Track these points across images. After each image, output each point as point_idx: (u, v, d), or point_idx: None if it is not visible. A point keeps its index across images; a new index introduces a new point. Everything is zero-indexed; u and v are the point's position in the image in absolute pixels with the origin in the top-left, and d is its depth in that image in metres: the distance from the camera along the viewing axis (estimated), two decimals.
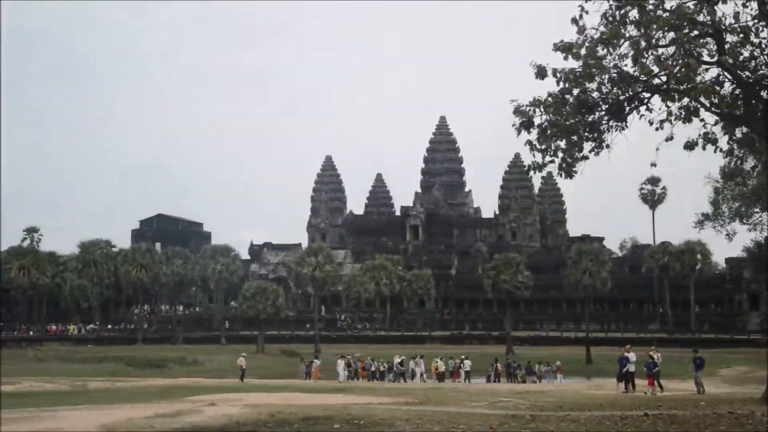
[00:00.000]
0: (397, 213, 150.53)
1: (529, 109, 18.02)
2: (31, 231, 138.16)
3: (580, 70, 17.49)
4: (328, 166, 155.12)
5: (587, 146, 18.48)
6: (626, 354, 34.35)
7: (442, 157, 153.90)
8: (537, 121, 18.09)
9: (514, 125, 18.11)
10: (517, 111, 18.06)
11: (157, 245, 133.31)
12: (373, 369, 54.04)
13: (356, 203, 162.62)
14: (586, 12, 17.15)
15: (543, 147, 18.27)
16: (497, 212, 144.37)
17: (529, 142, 18.19)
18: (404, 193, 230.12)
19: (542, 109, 17.99)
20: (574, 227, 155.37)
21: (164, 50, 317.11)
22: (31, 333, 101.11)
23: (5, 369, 67.99)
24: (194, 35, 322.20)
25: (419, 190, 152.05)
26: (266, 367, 70.96)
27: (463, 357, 56.23)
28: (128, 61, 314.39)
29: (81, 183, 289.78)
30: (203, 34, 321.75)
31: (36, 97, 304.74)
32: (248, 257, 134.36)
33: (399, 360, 54.62)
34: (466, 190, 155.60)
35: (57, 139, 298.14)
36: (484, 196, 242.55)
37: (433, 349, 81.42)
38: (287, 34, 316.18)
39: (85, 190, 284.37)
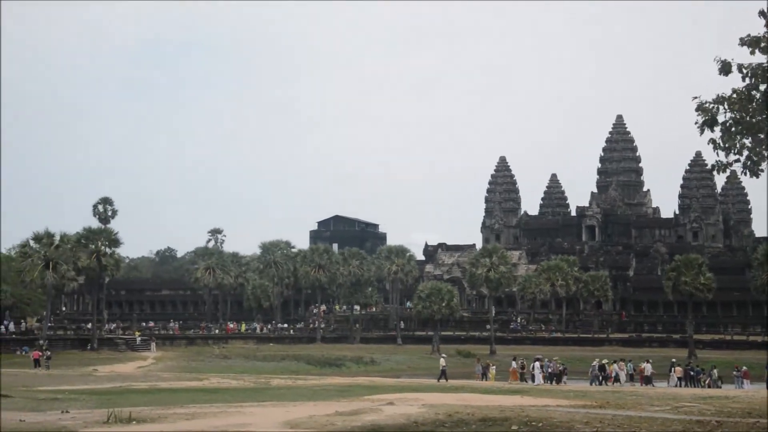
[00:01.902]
0: (573, 213, 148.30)
1: (713, 107, 17.46)
2: (216, 232, 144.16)
3: None
4: (502, 166, 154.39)
5: None
6: None
7: (619, 156, 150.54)
8: (721, 118, 17.51)
9: (696, 123, 17.61)
10: (700, 108, 17.54)
11: (335, 246, 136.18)
12: (550, 370, 53.40)
13: (530, 204, 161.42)
14: None
15: (727, 145, 17.68)
16: (677, 212, 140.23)
17: (713, 141, 17.63)
18: (580, 193, 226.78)
19: (726, 107, 17.40)
20: (760, 227, 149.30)
21: (334, 54, 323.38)
22: (216, 331, 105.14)
23: (195, 365, 71.21)
24: (363, 39, 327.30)
25: (595, 190, 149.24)
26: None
27: (674, 360, 55.23)
28: (298, 64, 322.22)
29: (262, 185, 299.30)
30: (370, 38, 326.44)
31: (219, 101, 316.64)
32: (423, 258, 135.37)
33: (599, 363, 53.97)
34: (644, 189, 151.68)
35: (240, 143, 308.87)
36: (663, 195, 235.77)
37: (611, 351, 79.91)
38: (454, 35, 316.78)
39: (265, 191, 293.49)
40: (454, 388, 39.54)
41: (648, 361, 55.04)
